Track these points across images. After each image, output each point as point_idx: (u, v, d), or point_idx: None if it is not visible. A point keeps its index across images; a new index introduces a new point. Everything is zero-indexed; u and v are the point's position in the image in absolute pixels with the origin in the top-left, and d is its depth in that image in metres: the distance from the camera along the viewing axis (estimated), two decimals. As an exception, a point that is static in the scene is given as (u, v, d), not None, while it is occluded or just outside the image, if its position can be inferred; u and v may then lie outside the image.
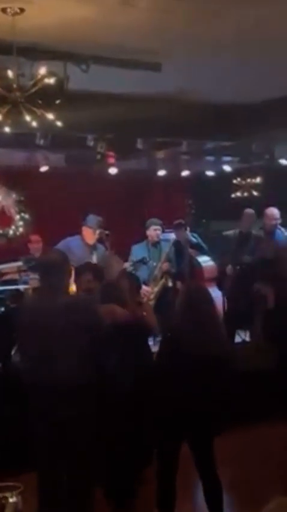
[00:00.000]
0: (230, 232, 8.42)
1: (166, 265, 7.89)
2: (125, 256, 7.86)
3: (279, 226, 8.33)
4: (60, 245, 7.15)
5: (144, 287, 7.78)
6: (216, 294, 7.77)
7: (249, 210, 8.36)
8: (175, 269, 8.00)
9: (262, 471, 5.20)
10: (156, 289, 7.82)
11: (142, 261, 7.81)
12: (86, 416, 4.10)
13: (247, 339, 7.94)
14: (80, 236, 7.39)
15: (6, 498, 2.23)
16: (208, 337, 3.97)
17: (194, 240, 8.58)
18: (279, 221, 8.29)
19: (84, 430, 4.06)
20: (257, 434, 5.84)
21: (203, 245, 8.79)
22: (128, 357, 4.90)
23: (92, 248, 7.37)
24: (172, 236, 8.36)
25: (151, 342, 5.99)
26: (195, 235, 8.71)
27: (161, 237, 8.07)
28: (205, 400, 3.96)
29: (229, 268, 8.08)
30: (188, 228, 8.44)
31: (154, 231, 7.94)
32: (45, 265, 4.35)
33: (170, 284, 7.90)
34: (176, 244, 8.26)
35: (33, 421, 4.09)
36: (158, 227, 7.97)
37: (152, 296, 7.75)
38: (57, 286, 4.24)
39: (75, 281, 5.32)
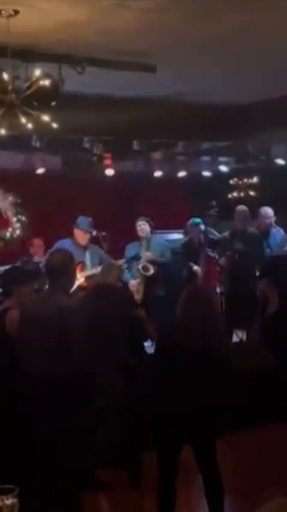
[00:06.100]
0: (223, 234, 8.35)
1: (148, 255, 7.97)
2: (121, 257, 7.93)
3: (274, 225, 8.29)
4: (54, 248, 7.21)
5: (131, 281, 7.93)
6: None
7: (241, 207, 8.25)
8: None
9: (262, 473, 5.19)
10: (138, 280, 7.89)
11: (135, 258, 7.89)
12: (82, 417, 4.18)
13: (244, 338, 7.92)
14: (71, 238, 7.48)
15: (2, 500, 2.20)
16: (209, 337, 3.96)
17: (214, 236, 8.50)
18: (273, 220, 8.24)
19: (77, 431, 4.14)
20: (257, 436, 5.83)
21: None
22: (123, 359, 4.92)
23: (84, 248, 7.47)
24: (173, 237, 8.45)
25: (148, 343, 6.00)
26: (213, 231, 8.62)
27: (159, 237, 8.16)
28: (204, 401, 3.95)
29: (222, 260, 7.96)
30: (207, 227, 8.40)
31: (138, 226, 8.10)
32: (53, 265, 4.44)
33: (151, 271, 7.91)
34: (189, 242, 8.38)
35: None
36: (143, 222, 8.11)
37: (139, 289, 7.85)
38: (66, 286, 4.39)
39: None
